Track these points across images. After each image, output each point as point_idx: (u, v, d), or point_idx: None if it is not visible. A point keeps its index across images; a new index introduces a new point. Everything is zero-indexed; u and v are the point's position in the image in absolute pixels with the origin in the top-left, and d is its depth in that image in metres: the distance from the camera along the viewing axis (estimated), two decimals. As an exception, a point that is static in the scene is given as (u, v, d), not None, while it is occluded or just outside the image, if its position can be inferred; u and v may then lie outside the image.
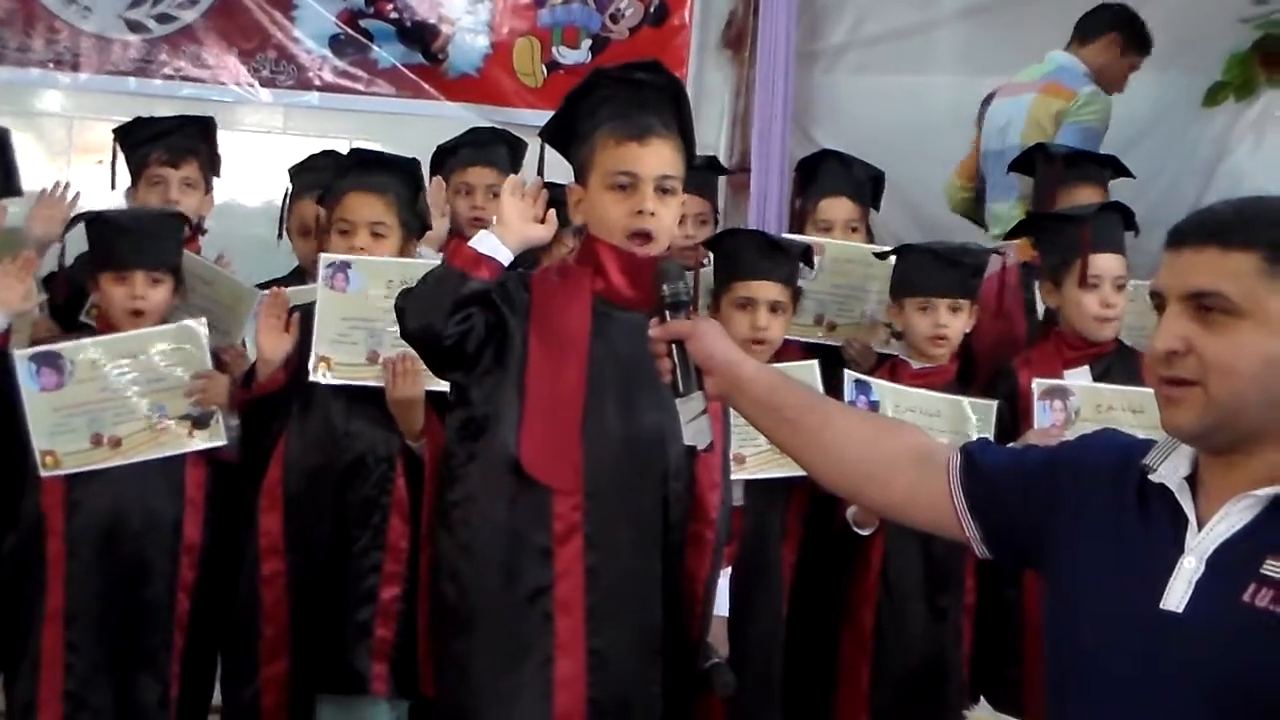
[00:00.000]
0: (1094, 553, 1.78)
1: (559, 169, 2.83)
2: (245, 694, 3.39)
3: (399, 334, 2.75)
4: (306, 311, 3.39)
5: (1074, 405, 3.42)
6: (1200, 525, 1.70)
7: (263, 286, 3.85)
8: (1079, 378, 3.53)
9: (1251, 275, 1.65)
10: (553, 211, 2.77)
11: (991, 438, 3.31)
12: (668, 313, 2.19)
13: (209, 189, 4.04)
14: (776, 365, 3.37)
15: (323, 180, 3.68)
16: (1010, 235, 4.01)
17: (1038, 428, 3.40)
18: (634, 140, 2.64)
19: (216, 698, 3.58)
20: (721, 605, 2.95)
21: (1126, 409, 3.35)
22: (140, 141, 3.98)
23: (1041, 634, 1.91)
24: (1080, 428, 3.34)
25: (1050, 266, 3.61)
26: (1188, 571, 1.67)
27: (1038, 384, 3.45)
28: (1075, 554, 1.80)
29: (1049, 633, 1.87)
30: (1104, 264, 3.51)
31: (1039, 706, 1.87)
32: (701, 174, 3.96)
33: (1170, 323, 1.71)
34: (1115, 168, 4.15)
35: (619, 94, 2.71)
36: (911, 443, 2.03)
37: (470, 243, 2.69)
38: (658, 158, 2.65)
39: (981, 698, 1.55)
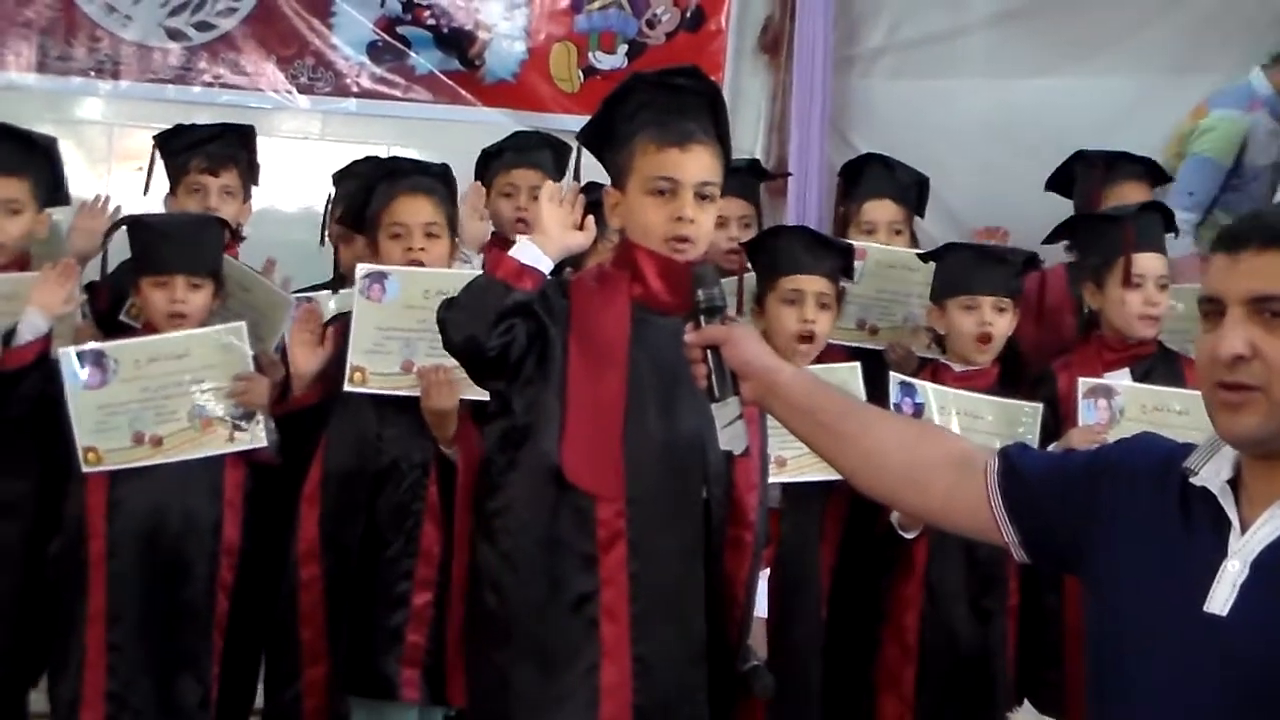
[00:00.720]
0: (1135, 556, 1.77)
1: (596, 171, 2.84)
2: (286, 697, 3.40)
3: (437, 344, 2.75)
4: (344, 322, 3.41)
5: (1119, 404, 3.41)
6: (1244, 528, 1.69)
7: (302, 292, 3.89)
8: (1119, 379, 3.51)
9: None
10: (591, 218, 2.78)
11: (1036, 440, 3.30)
12: (703, 318, 2.20)
13: (247, 197, 4.07)
14: (816, 367, 3.38)
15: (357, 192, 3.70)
16: (1050, 239, 3.99)
17: (1082, 425, 3.38)
18: (675, 146, 2.64)
19: (259, 700, 3.60)
20: (760, 607, 2.95)
21: (1172, 410, 3.34)
22: (180, 149, 4.01)
23: (1082, 637, 1.90)
24: (1125, 428, 3.33)
25: (1093, 267, 3.59)
26: (1231, 575, 1.67)
27: (1083, 383, 3.43)
28: (1116, 558, 1.80)
29: (1090, 636, 1.87)
30: (1147, 263, 3.50)
31: (1080, 710, 1.86)
32: (743, 178, 3.97)
33: (1235, 327, 1.68)
34: (1152, 171, 4.13)
35: (658, 99, 2.71)
36: (950, 448, 2.03)
37: (511, 253, 2.68)
38: (698, 164, 2.65)
39: (1025, 700, 1.54)
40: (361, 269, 3.39)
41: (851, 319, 3.84)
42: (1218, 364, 1.69)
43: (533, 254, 2.66)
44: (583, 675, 2.59)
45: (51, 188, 3.70)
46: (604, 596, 2.61)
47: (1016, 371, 3.75)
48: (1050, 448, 3.34)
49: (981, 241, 3.84)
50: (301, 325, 3.46)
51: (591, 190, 2.84)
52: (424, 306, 3.29)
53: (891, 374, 3.47)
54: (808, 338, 3.46)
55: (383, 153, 4.42)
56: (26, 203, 3.60)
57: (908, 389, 3.43)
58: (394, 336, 3.34)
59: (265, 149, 4.23)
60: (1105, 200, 4.08)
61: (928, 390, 3.46)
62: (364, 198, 3.58)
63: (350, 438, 3.41)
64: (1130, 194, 4.06)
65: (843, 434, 2.04)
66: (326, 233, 4.03)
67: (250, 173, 4.09)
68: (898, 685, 3.47)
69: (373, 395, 3.37)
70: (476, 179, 4.22)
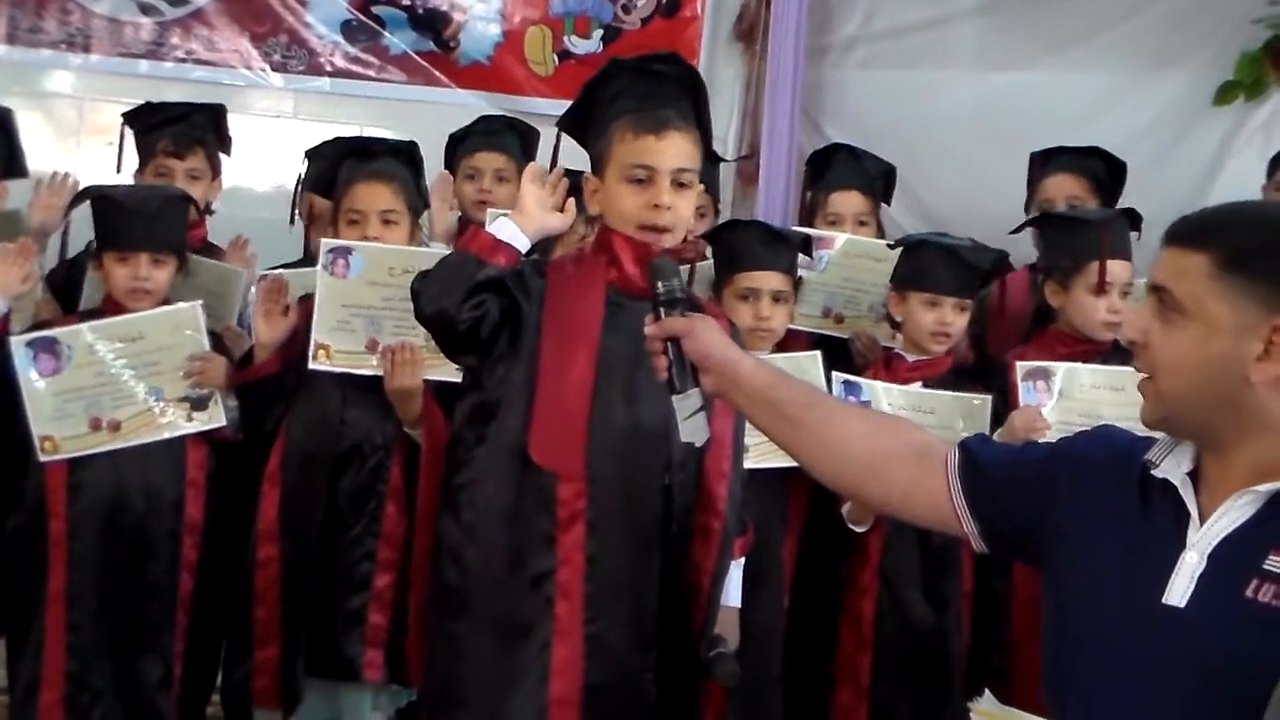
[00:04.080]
0: (1095, 548, 1.79)
1: (575, 156, 2.84)
2: (239, 675, 3.40)
3: (402, 322, 2.75)
4: (313, 298, 3.39)
5: (1057, 385, 3.43)
6: (1202, 520, 1.71)
7: (271, 270, 3.88)
8: (1073, 372, 3.53)
9: (1200, 277, 1.68)
10: (571, 200, 2.78)
11: (987, 433, 3.32)
12: (663, 310, 2.20)
13: (216, 174, 4.05)
14: (780, 355, 3.39)
15: (327, 169, 3.70)
16: (1016, 231, 4.01)
17: (1022, 407, 3.40)
18: (651, 134, 2.64)
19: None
20: (733, 596, 2.96)
21: (1109, 387, 3.37)
22: (149, 127, 3.99)
23: (1030, 624, 1.92)
24: (1063, 407, 3.38)
25: (1061, 268, 3.60)
26: (1190, 566, 1.68)
27: (1020, 366, 3.45)
28: (1076, 549, 1.81)
29: (1048, 627, 1.87)
30: (1116, 270, 3.51)
31: (1028, 696, 1.87)
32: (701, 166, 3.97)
33: (1137, 315, 1.77)
34: (1105, 158, 4.14)
35: (636, 85, 2.70)
36: (911, 439, 2.04)
37: (488, 228, 2.69)
38: (675, 151, 2.65)
39: (986, 690, 1.55)
40: (325, 244, 3.38)
41: (817, 307, 3.84)
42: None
43: (510, 231, 2.67)
44: (536, 652, 2.61)
45: (6, 158, 3.66)
46: (560, 575, 2.62)
47: (984, 364, 3.77)
48: (995, 435, 3.36)
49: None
50: (266, 296, 3.44)
51: (571, 176, 2.83)
52: (388, 283, 3.30)
53: (835, 373, 3.46)
54: (763, 334, 3.47)
55: (355, 133, 4.41)
56: None
57: (852, 387, 3.44)
58: (359, 314, 3.34)
59: (237, 127, 4.21)
60: (1039, 193, 4.11)
61: (874, 388, 3.47)
62: (332, 174, 3.59)
63: (313, 419, 3.41)
64: (1051, 189, 4.09)
65: (804, 426, 2.05)
66: (296, 211, 4.02)
67: (221, 148, 4.07)
68: (854, 674, 3.48)
69: (337, 376, 3.37)
70: (445, 164, 4.21)
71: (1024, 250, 4.09)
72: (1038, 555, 1.91)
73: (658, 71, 2.72)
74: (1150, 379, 1.74)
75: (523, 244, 2.68)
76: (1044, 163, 4.17)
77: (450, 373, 3.08)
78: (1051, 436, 3.26)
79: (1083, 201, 4.02)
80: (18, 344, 3.29)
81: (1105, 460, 1.84)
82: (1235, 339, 1.67)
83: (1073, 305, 3.56)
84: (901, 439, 2.04)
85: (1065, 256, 3.60)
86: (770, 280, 3.50)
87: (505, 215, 2.73)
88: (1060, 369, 3.45)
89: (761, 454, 3.18)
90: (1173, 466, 1.76)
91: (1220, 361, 1.67)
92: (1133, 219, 3.64)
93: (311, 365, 3.34)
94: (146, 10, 5.14)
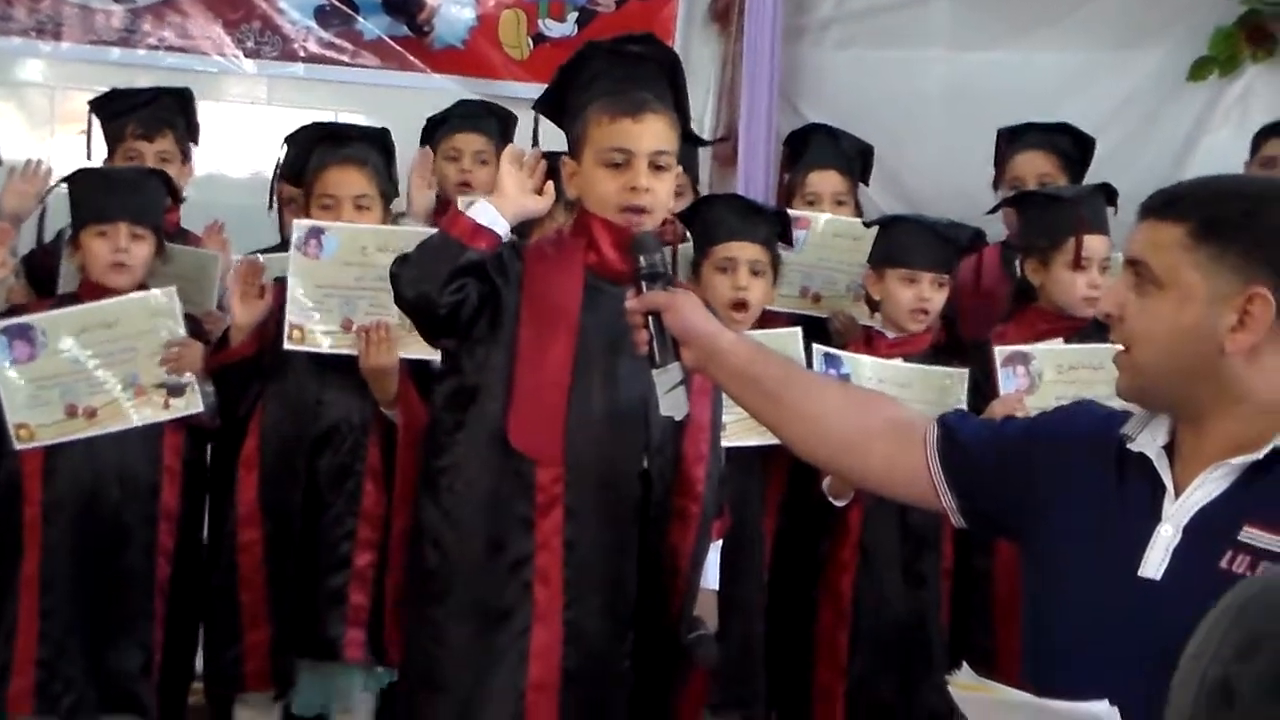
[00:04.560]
0: (1073, 521, 1.79)
1: (555, 138, 2.83)
2: (226, 660, 3.40)
3: (377, 302, 2.75)
4: (285, 283, 3.38)
5: (1036, 369, 3.43)
6: (1178, 493, 1.71)
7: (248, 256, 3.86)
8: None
9: (1175, 247, 1.69)
10: (550, 183, 2.77)
11: (965, 406, 3.33)
12: (644, 284, 2.20)
13: (186, 159, 4.03)
14: (757, 333, 3.39)
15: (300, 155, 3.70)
16: (993, 211, 4.01)
17: (1002, 395, 3.41)
18: (627, 116, 2.64)
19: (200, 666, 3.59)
20: (711, 578, 2.96)
21: (1088, 366, 3.37)
22: (117, 113, 3.98)
23: (1013, 601, 1.93)
24: (1045, 391, 3.38)
25: (1039, 246, 3.61)
26: (1165, 539, 1.69)
27: (999, 351, 3.45)
28: (1054, 523, 1.81)
29: (1027, 600, 1.88)
30: (1094, 245, 3.52)
31: (1011, 672, 1.87)
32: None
33: (1113, 288, 1.77)
34: (1073, 135, 4.15)
35: (612, 68, 2.70)
36: (889, 415, 2.04)
37: (468, 213, 2.67)
38: (651, 134, 2.65)
39: (964, 664, 1.55)
40: (299, 224, 3.38)
41: (795, 287, 3.84)
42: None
43: (489, 215, 2.65)
44: (515, 636, 2.62)
45: None
46: (539, 560, 2.63)
47: (955, 343, 3.78)
48: (985, 419, 3.36)
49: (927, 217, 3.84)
50: (241, 278, 3.43)
51: (550, 158, 2.83)
52: (362, 264, 3.30)
53: (815, 346, 3.46)
54: (741, 305, 3.47)
55: (329, 119, 4.38)
56: None
57: (833, 360, 3.44)
58: (332, 294, 3.34)
59: (211, 114, 4.21)
60: (1008, 171, 4.10)
61: (854, 361, 3.47)
62: (304, 160, 3.59)
63: (289, 401, 3.42)
64: (1020, 167, 4.08)
65: (783, 400, 2.05)
66: (274, 197, 4.01)
67: (190, 135, 4.06)
68: (832, 650, 3.48)
69: (312, 357, 3.37)
70: (422, 145, 4.20)
71: (997, 230, 4.10)
72: (1016, 530, 1.92)
73: (633, 53, 2.72)
74: (1126, 351, 1.75)
75: (502, 228, 2.67)
76: (1011, 139, 4.16)
77: (425, 351, 3.09)
78: None
79: (1053, 179, 4.02)
80: None
81: (1083, 434, 1.85)
82: (1210, 309, 1.67)
83: (1052, 282, 3.57)
84: (880, 414, 2.04)
85: (1043, 234, 3.60)
86: (747, 251, 3.50)
87: (484, 199, 2.72)
88: (1038, 352, 3.45)
89: (740, 432, 3.18)
90: (1148, 440, 1.76)
91: (1195, 332, 1.68)
92: (1109, 194, 3.65)
93: (286, 346, 3.33)
94: (118, -3, 5.10)
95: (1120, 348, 1.77)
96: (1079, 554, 1.77)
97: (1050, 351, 3.45)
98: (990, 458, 1.92)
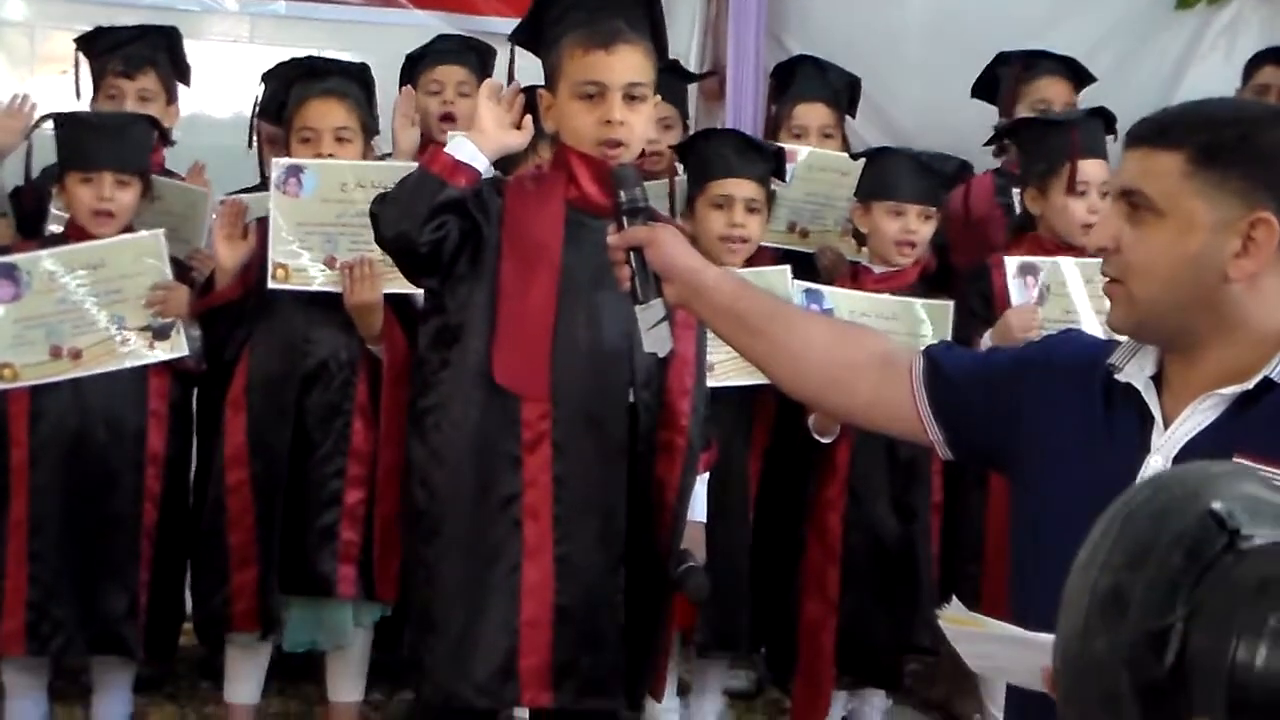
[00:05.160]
0: (1060, 452, 1.78)
1: (534, 73, 2.80)
2: (215, 601, 3.40)
3: (359, 238, 2.74)
4: (267, 222, 3.36)
5: (1044, 281, 3.43)
6: (1166, 424, 1.70)
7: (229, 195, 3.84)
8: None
9: (1173, 175, 1.66)
10: (529, 117, 2.74)
11: (949, 338, 3.33)
12: (625, 219, 2.17)
13: (171, 99, 3.98)
14: (747, 270, 3.37)
15: (278, 91, 3.67)
16: (991, 142, 3.99)
17: (1015, 305, 3.40)
18: (600, 48, 2.60)
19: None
20: (699, 511, 2.96)
21: (1097, 279, 3.38)
22: (101, 51, 3.94)
23: (1002, 534, 1.92)
24: (1052, 302, 3.39)
25: (1037, 173, 3.59)
26: (1154, 469, 1.68)
27: (1009, 261, 3.45)
28: (1041, 454, 1.80)
29: (1014, 532, 1.88)
30: (1091, 170, 3.50)
31: (999, 605, 1.88)
32: (666, 79, 3.94)
33: (1105, 220, 1.74)
34: (1074, 69, 4.13)
35: None
36: (875, 348, 2.03)
37: (447, 149, 2.64)
38: (624, 65, 2.62)
39: (954, 598, 1.55)
40: (277, 163, 3.36)
41: (782, 222, 3.83)
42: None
43: (469, 151, 2.62)
44: (506, 573, 2.62)
45: None
46: (527, 497, 2.63)
47: (945, 275, 3.77)
48: (985, 334, 3.37)
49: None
50: (224, 220, 3.41)
51: (529, 92, 2.80)
52: (343, 200, 3.29)
53: (795, 281, 3.45)
54: (737, 241, 3.46)
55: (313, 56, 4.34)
56: None
57: (814, 295, 3.44)
58: (314, 232, 3.33)
59: (193, 53, 4.15)
60: (1022, 98, 4.08)
61: (836, 295, 3.47)
62: (283, 97, 3.58)
63: (276, 341, 3.41)
64: (1048, 90, 4.07)
65: (767, 335, 2.03)
66: (253, 135, 3.97)
67: (176, 74, 4.01)
68: (821, 586, 3.49)
69: (298, 296, 3.36)
70: (401, 84, 4.16)
71: (986, 162, 4.08)
72: (1004, 462, 1.91)
73: None
74: (1121, 283, 1.72)
75: (482, 164, 2.64)
76: (1027, 67, 4.12)
77: (409, 286, 3.08)
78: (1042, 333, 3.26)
79: (1069, 106, 4.01)
80: None
81: (1070, 365, 1.84)
82: (1212, 236, 1.64)
83: (1051, 209, 3.55)
84: (865, 347, 2.03)
85: (1040, 160, 3.60)
86: (744, 188, 3.49)
87: (463, 135, 2.69)
88: (1047, 263, 3.45)
89: (726, 372, 3.18)
90: (1135, 370, 1.75)
91: (1198, 260, 1.65)
92: (1107, 120, 3.63)
93: (270, 285, 3.32)
94: (99, -65, 5.03)
95: (1111, 278, 1.75)
96: (1067, 485, 1.75)
97: (1060, 262, 3.45)
98: (977, 389, 1.90)
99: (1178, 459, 1.67)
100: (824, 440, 3.43)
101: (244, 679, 3.56)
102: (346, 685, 3.60)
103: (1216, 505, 1.08)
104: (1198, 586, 1.05)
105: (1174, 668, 1.04)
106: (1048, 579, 1.74)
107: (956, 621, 1.55)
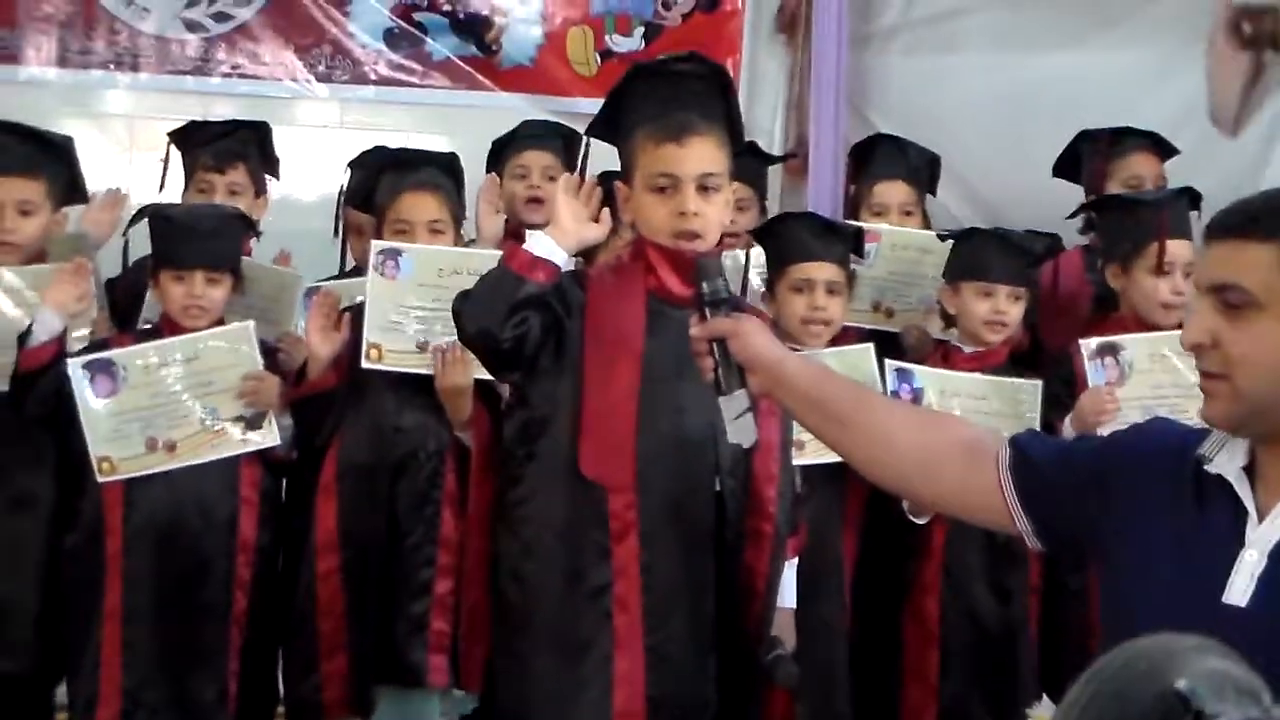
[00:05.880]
0: (1151, 545, 1.75)
1: (612, 160, 2.83)
2: (306, 688, 3.42)
3: (450, 322, 2.75)
4: (358, 310, 3.41)
5: (1126, 359, 3.37)
6: (1261, 517, 1.68)
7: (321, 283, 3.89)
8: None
9: (1270, 267, 1.63)
10: (606, 210, 2.76)
11: (1038, 416, 3.29)
12: (708, 310, 2.17)
13: (260, 192, 4.04)
14: (830, 350, 3.37)
15: (365, 179, 3.72)
16: (1075, 215, 3.97)
17: (1091, 387, 3.35)
18: (672, 141, 2.62)
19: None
20: (788, 597, 2.94)
21: (1180, 353, 3.32)
22: (193, 145, 4.00)
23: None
24: (1136, 381, 3.34)
25: (1121, 251, 3.56)
26: (1250, 564, 1.66)
27: (1086, 344, 3.40)
28: (1131, 546, 1.78)
29: (1105, 625, 1.86)
30: (1177, 250, 3.47)
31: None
32: (743, 160, 3.97)
33: (1197, 317, 1.71)
34: (1160, 144, 4.10)
35: (657, 89, 2.69)
36: (959, 435, 2.01)
37: (526, 245, 2.68)
38: (697, 157, 2.63)
39: (1045, 696, 1.53)
40: (376, 245, 3.39)
41: (866, 301, 3.81)
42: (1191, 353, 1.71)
43: (547, 246, 2.65)
44: (598, 665, 2.62)
45: (69, 187, 3.67)
46: (617, 588, 2.63)
47: (1036, 354, 3.73)
48: (1067, 420, 3.33)
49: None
50: (318, 310, 3.45)
51: (608, 180, 2.83)
52: (438, 285, 3.32)
53: (888, 361, 3.43)
54: (819, 323, 3.46)
55: (401, 139, 4.41)
56: (41, 203, 3.57)
57: (905, 375, 3.41)
58: (409, 315, 3.36)
59: (284, 138, 4.22)
60: (1111, 175, 4.05)
61: (926, 374, 3.44)
62: (370, 184, 3.62)
63: (367, 429, 3.43)
64: (1139, 166, 4.04)
65: (851, 423, 2.03)
66: (339, 223, 4.03)
67: (264, 168, 4.07)
68: (921, 671, 3.45)
69: (389, 382, 3.39)
70: (488, 169, 4.22)
71: (1074, 236, 4.05)
72: (1092, 552, 1.89)
73: (679, 72, 2.71)
74: (1221, 378, 1.68)
75: (561, 259, 2.67)
76: (1114, 142, 4.10)
77: None
78: (1128, 412, 3.21)
79: (1160, 182, 3.98)
80: (74, 366, 3.30)
81: (1157, 455, 1.81)
82: None
83: (1134, 288, 3.52)
84: (950, 435, 2.01)
85: (1125, 239, 3.56)
86: (824, 271, 3.48)
87: (542, 231, 2.72)
88: (1129, 341, 3.39)
89: (817, 450, 3.16)
90: (1226, 461, 1.72)
91: None
92: (1192, 198, 3.59)
93: (364, 364, 3.35)
94: (192, 27, 5.17)
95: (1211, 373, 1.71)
96: (1159, 578, 1.73)
97: (1142, 339, 3.40)
98: (1064, 478, 1.88)
99: (1274, 554, 1.65)
100: (919, 522, 3.39)
101: (335, 765, 3.56)
102: (433, 776, 3.59)
103: (1181, 684, 1.06)
104: None
105: None
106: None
107: (1045, 722, 1.53)
